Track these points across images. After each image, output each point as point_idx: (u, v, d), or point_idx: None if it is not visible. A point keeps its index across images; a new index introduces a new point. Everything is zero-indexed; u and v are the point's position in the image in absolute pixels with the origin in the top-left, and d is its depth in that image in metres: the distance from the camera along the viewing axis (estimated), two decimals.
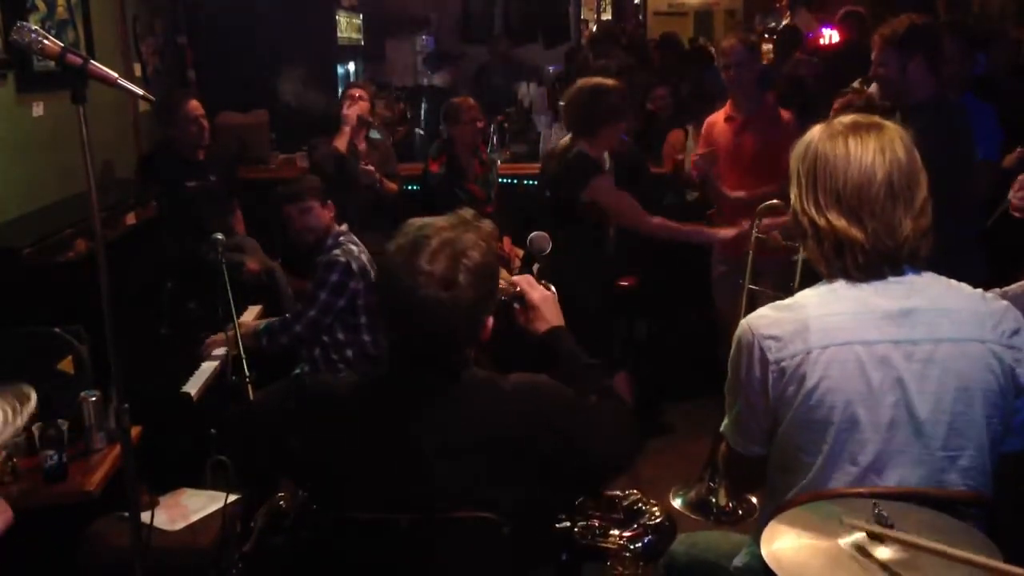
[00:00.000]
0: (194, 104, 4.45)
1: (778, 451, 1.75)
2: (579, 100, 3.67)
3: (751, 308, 3.04)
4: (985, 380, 1.64)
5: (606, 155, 3.77)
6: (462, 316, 1.69)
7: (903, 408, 1.63)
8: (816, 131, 1.76)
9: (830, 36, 6.59)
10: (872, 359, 1.64)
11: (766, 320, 1.72)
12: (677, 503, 3.56)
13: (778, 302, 1.77)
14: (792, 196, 1.77)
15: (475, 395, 1.75)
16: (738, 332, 1.74)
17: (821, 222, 1.69)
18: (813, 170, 1.72)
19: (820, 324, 1.66)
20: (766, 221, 3.61)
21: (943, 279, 1.73)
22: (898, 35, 3.28)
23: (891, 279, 1.68)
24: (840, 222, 1.68)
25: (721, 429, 1.86)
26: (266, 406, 2.06)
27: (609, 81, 3.74)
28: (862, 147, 1.69)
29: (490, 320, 1.79)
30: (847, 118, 1.77)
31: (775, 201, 3.44)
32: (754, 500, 3.44)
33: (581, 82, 3.75)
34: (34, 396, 1.08)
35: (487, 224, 1.82)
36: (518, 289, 1.99)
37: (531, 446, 1.70)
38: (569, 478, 1.78)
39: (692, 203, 4.99)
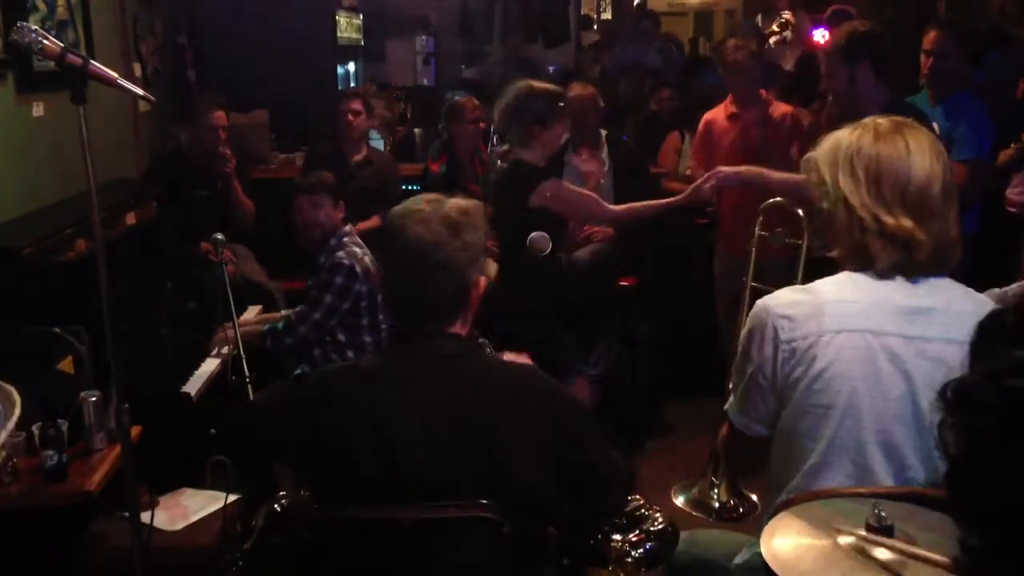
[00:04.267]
0: (219, 115, 4.50)
1: (781, 436, 1.76)
2: (509, 105, 3.54)
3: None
4: None
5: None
6: (460, 261, 1.74)
7: (909, 402, 1.64)
8: (860, 131, 1.74)
9: (824, 36, 6.61)
10: (883, 350, 1.65)
11: (783, 300, 1.73)
12: (679, 500, 3.56)
13: (797, 286, 1.79)
14: (846, 193, 1.71)
15: (478, 375, 1.78)
16: (753, 310, 1.76)
17: (889, 221, 1.68)
18: (877, 169, 1.70)
19: (835, 309, 1.68)
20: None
21: (960, 285, 1.74)
22: (840, 45, 3.30)
23: (913, 280, 1.69)
24: (907, 222, 1.67)
25: (725, 407, 1.86)
26: (266, 406, 2.07)
27: (541, 85, 3.62)
28: (918, 148, 1.70)
29: (482, 282, 1.82)
30: (885, 119, 1.77)
31: (779, 199, 3.43)
32: (755, 498, 3.45)
33: (516, 86, 3.60)
34: (18, 401, 1.06)
35: (474, 200, 1.89)
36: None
37: (538, 434, 1.71)
38: (576, 480, 1.78)
39: None
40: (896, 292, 1.69)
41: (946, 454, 0.90)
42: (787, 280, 3.16)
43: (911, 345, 1.65)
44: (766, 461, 1.86)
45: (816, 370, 1.66)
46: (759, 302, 1.77)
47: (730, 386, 1.86)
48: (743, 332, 1.78)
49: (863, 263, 1.72)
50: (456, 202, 1.81)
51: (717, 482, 3.52)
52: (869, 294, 1.69)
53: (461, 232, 1.75)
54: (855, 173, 1.71)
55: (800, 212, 3.07)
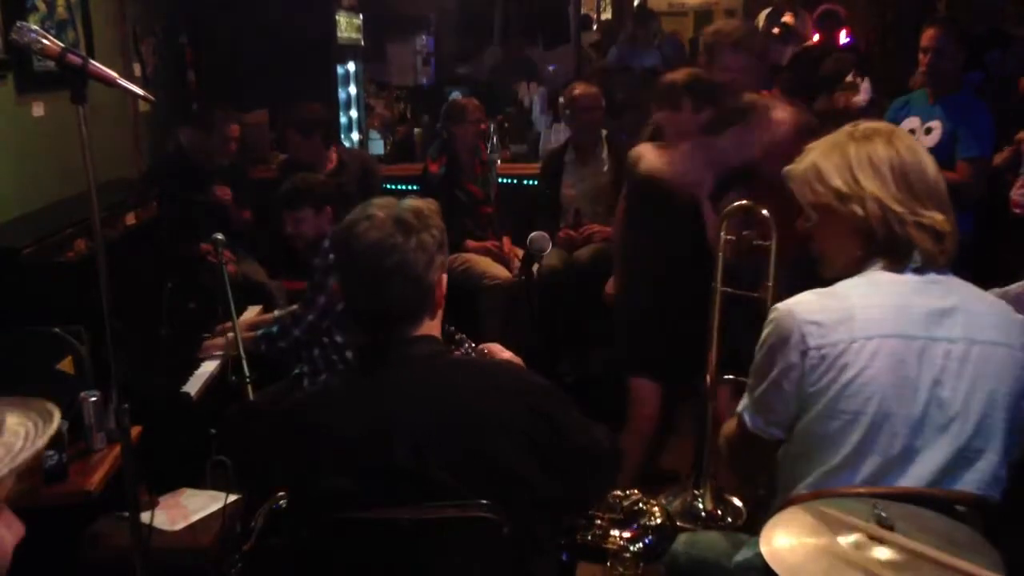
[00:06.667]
0: (235, 128, 4.65)
1: (800, 440, 1.75)
2: None
3: (723, 311, 3.02)
4: (1009, 385, 1.67)
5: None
6: (416, 262, 1.73)
7: (935, 404, 1.65)
8: (862, 135, 1.77)
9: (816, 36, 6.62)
10: (912, 353, 1.65)
11: (809, 306, 1.71)
12: None
13: (820, 289, 1.76)
14: (875, 192, 1.72)
15: (450, 373, 1.77)
16: (775, 315, 1.74)
17: (925, 213, 1.71)
18: (901, 168, 1.72)
19: (865, 315, 1.68)
20: None
21: (969, 284, 1.76)
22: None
23: (929, 277, 1.71)
24: (938, 215, 1.71)
25: (739, 409, 1.85)
26: (265, 408, 2.07)
27: None
28: (921, 149, 1.76)
29: (444, 281, 1.81)
30: (880, 123, 1.82)
31: (744, 202, 3.30)
32: (739, 503, 3.43)
33: None
34: (58, 415, 1.07)
35: (429, 200, 1.88)
36: (486, 352, 2.07)
37: (516, 425, 1.69)
38: (560, 466, 1.75)
39: None
40: (916, 294, 1.70)
41: None
42: (758, 282, 3.06)
43: (938, 347, 1.66)
44: (766, 464, 1.85)
45: (847, 377, 1.65)
46: (782, 306, 1.74)
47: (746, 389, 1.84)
48: (764, 337, 1.76)
49: (898, 257, 1.72)
50: (409, 203, 1.80)
51: (700, 492, 3.51)
52: (894, 297, 1.70)
53: (414, 232, 1.73)
54: (879, 173, 1.72)
55: (766, 213, 2.97)
